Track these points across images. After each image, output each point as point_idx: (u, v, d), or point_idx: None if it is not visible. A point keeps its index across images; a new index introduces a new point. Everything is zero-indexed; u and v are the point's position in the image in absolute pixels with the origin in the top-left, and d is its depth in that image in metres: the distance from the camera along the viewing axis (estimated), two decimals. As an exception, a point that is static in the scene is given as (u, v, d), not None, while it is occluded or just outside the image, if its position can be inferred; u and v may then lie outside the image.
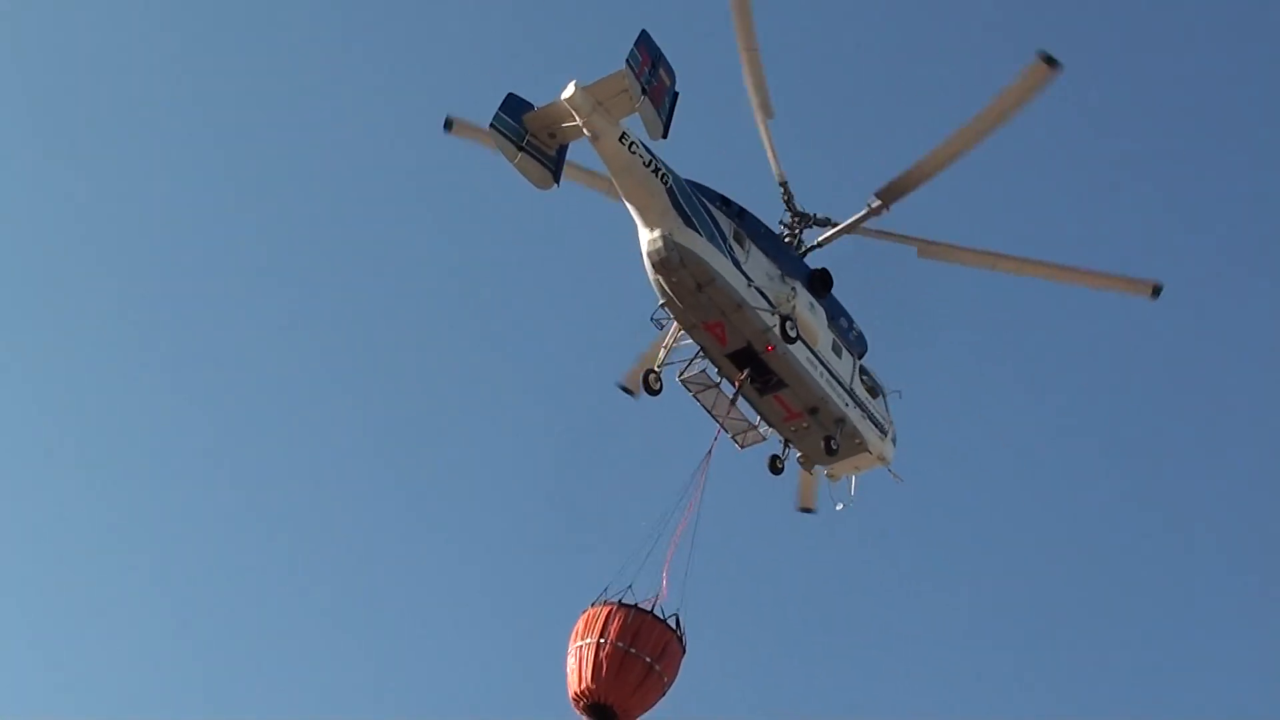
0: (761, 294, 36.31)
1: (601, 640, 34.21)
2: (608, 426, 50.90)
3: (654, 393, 37.29)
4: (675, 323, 36.37)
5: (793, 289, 37.41)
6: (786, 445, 39.31)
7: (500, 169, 34.13)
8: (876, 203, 38.87)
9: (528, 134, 33.57)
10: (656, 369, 37.29)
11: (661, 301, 35.79)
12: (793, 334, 36.51)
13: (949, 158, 37.80)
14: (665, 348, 37.68)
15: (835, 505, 41.15)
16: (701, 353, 37.10)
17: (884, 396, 41.03)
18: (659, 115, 32.92)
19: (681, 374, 37.59)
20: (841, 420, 38.49)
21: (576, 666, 34.43)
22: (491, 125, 33.36)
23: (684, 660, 35.31)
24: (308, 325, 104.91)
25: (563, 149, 34.02)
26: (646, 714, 34.79)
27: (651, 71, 32.96)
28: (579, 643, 34.63)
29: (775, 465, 39.03)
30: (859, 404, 39.36)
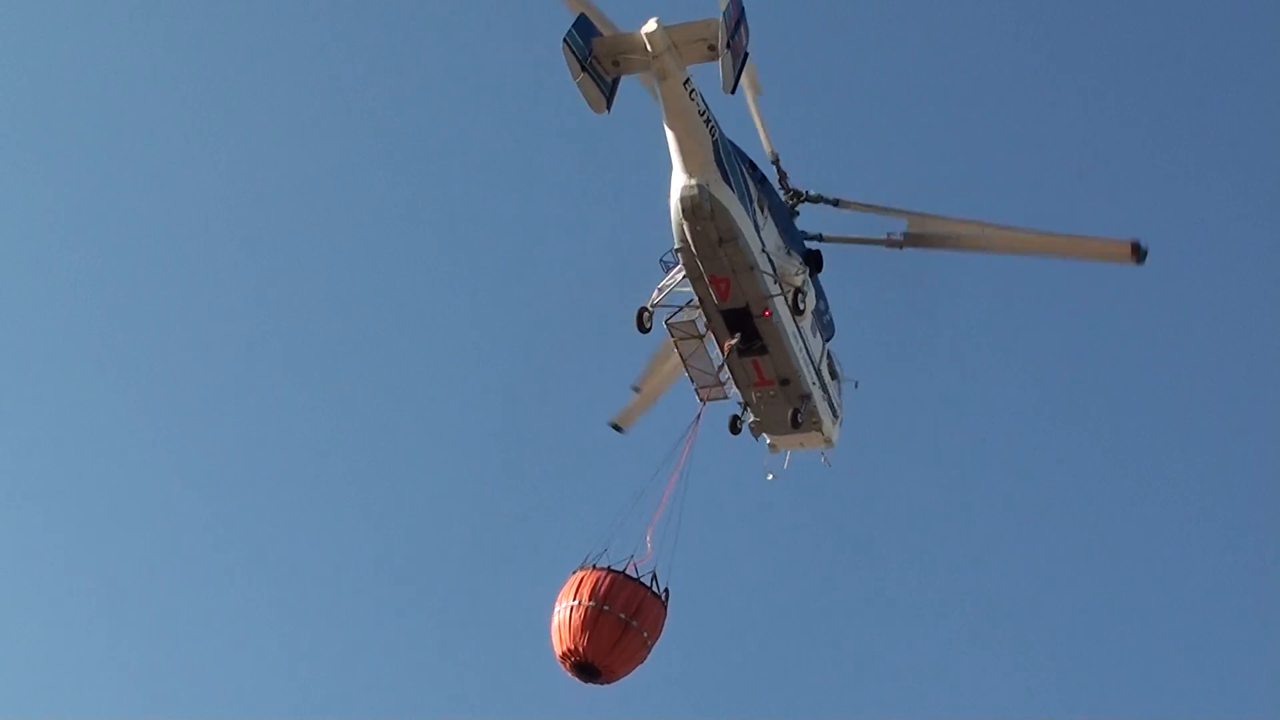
0: (770, 262, 37.43)
1: (575, 603, 35.38)
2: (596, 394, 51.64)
3: (644, 330, 38.12)
4: (683, 269, 37.22)
5: (801, 264, 38.65)
6: (745, 408, 40.50)
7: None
8: (899, 238, 40.37)
9: (592, 56, 34.32)
10: (650, 308, 38.09)
11: (677, 246, 36.59)
12: (802, 307, 37.83)
13: (989, 246, 39.83)
14: (662, 290, 38.51)
15: (767, 475, 42.62)
16: (696, 302, 38.05)
17: (840, 382, 42.54)
18: (734, 71, 33.85)
19: (670, 318, 38.49)
20: (807, 397, 39.84)
21: (557, 628, 35.60)
22: (565, 40, 33.94)
23: (667, 618, 36.36)
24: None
25: (617, 80, 34.87)
26: (637, 669, 36.36)
27: (734, 29, 33.89)
28: (559, 606, 35.81)
29: (735, 425, 40.21)
30: (823, 385, 40.75)
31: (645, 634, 35.61)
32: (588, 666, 35.51)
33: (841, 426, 42.39)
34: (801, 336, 39.25)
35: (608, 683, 36.00)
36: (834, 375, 41.98)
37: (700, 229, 35.83)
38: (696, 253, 36.41)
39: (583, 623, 35.01)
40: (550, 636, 35.89)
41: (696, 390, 39.98)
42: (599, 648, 35.05)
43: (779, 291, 37.68)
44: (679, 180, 35.83)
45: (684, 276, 37.43)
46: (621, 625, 35.21)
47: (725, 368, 38.98)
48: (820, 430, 41.23)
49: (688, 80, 34.62)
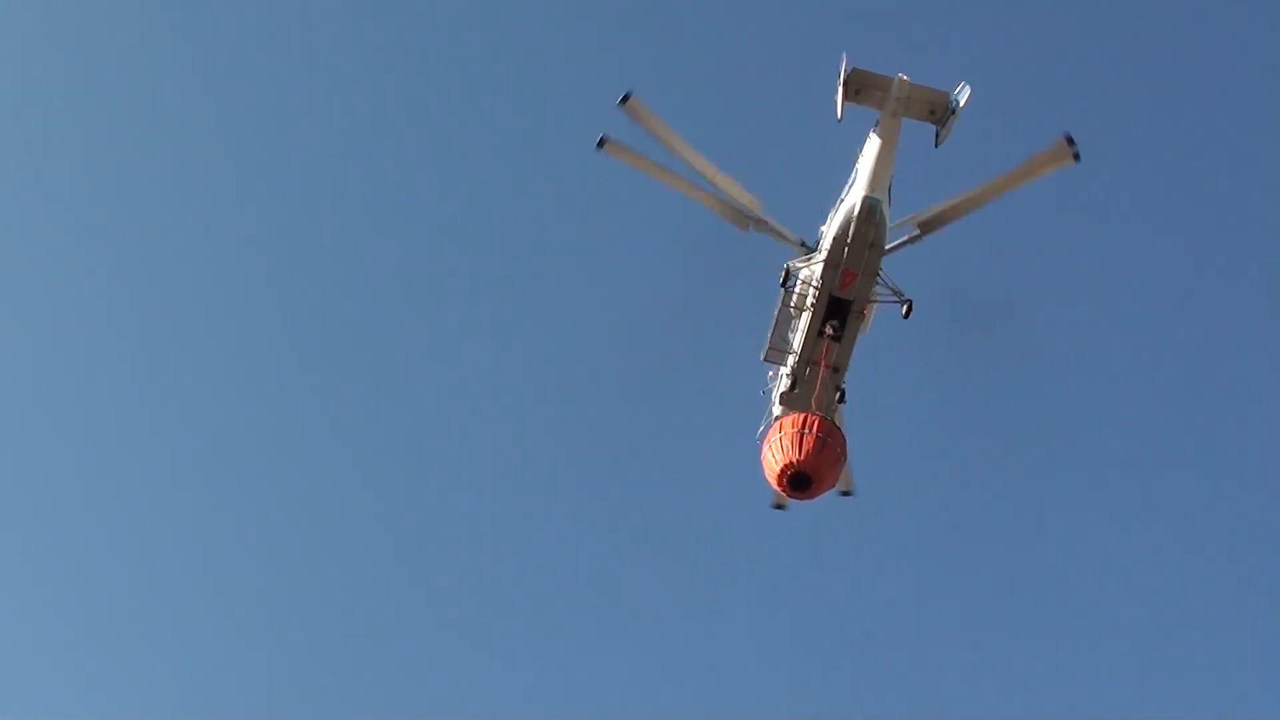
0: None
1: (782, 433, 45.03)
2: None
3: (783, 286, 48.37)
4: (825, 255, 47.33)
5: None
6: (793, 381, 50.32)
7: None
8: (915, 232, 47.68)
9: (856, 78, 45.00)
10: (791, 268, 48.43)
11: (835, 236, 46.89)
12: (906, 315, 48.08)
13: (982, 202, 47.33)
14: (789, 241, 48.71)
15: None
16: (815, 283, 48.11)
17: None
18: (947, 135, 45.10)
19: (788, 271, 48.18)
20: (841, 388, 50.40)
21: (773, 449, 45.03)
22: (855, 68, 44.58)
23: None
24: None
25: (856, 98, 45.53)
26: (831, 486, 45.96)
27: (953, 112, 44.86)
28: (779, 435, 45.29)
29: (794, 386, 50.07)
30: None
31: (839, 451, 45.22)
32: (803, 477, 44.56)
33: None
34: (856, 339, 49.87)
35: (814, 496, 45.22)
36: None
37: (863, 230, 45.90)
38: (849, 246, 46.69)
39: (796, 442, 44.36)
40: (766, 464, 45.07)
41: (769, 347, 49.91)
42: (812, 459, 44.35)
43: (875, 299, 48.32)
44: (860, 191, 45.91)
45: (822, 261, 47.61)
46: (822, 442, 44.82)
47: (803, 338, 49.05)
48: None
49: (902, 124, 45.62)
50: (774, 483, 45.93)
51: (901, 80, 44.69)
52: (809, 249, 48.34)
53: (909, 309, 47.24)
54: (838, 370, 49.50)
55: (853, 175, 47.02)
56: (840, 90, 44.83)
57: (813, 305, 48.03)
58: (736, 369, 53.01)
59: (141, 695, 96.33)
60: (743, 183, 48.41)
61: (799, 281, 48.61)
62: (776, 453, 45.26)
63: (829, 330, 47.98)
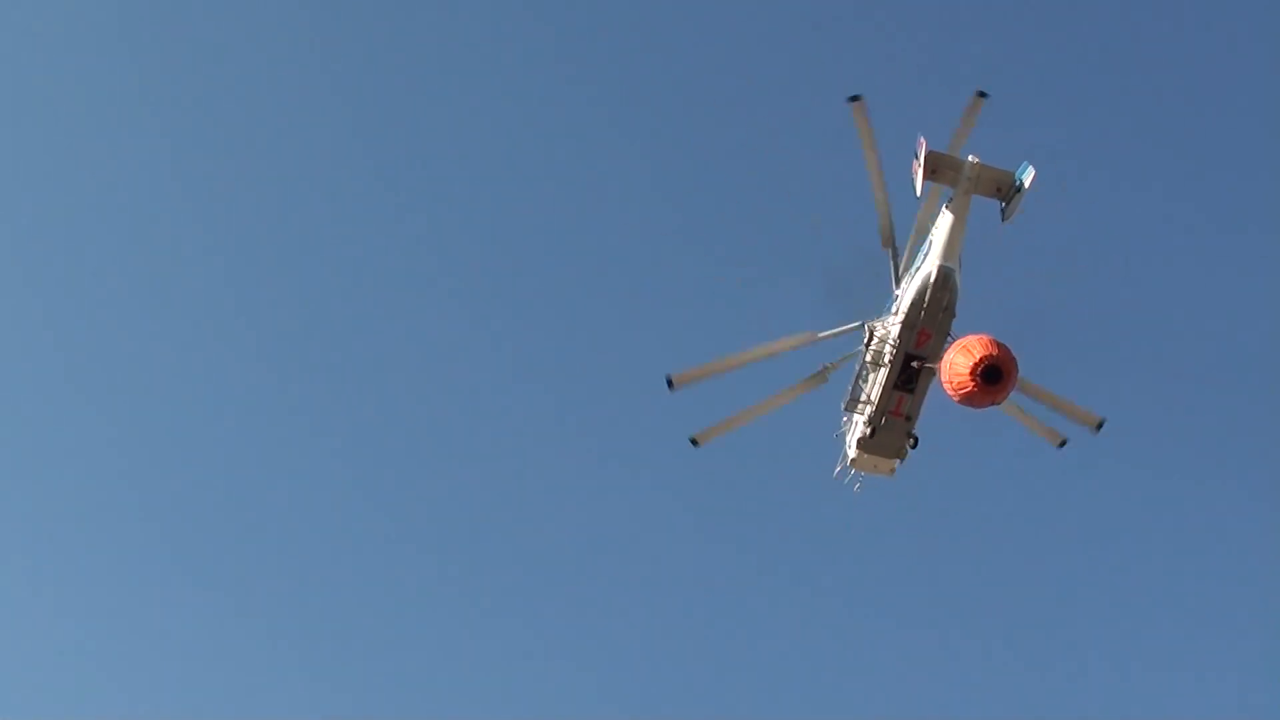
0: None
1: (973, 339, 48.30)
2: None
3: (867, 345, 54.18)
4: (903, 316, 52.70)
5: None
6: (871, 430, 55.08)
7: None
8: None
9: (931, 159, 50.29)
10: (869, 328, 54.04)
11: (913, 302, 52.15)
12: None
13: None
14: (850, 331, 54.89)
15: (855, 487, 58.27)
16: (892, 342, 53.49)
17: None
18: (1016, 211, 50.32)
19: (870, 330, 53.94)
20: (914, 435, 55.77)
21: (982, 345, 47.60)
22: (930, 149, 49.97)
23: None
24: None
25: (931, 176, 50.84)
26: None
27: (1019, 192, 49.83)
28: (968, 340, 48.25)
29: (872, 434, 55.39)
30: None
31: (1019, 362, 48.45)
32: (997, 369, 47.25)
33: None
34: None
35: (1003, 396, 48.47)
36: None
37: (939, 295, 51.01)
38: (926, 309, 51.92)
39: (988, 344, 47.69)
40: (953, 367, 47.96)
41: (851, 397, 55.46)
42: (1005, 355, 47.48)
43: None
44: (938, 261, 51.06)
45: (899, 323, 52.98)
46: (1007, 349, 47.95)
47: (879, 391, 54.54)
48: (898, 461, 57.16)
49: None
50: (964, 384, 48.06)
51: (973, 162, 49.95)
52: (867, 327, 54.09)
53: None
54: (910, 419, 55.02)
55: (926, 244, 52.33)
56: (919, 171, 50.10)
57: (890, 361, 53.46)
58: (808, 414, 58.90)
59: (142, 695, 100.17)
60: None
61: (876, 339, 54.08)
62: (964, 357, 48.07)
63: (905, 380, 53.47)
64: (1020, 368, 48.04)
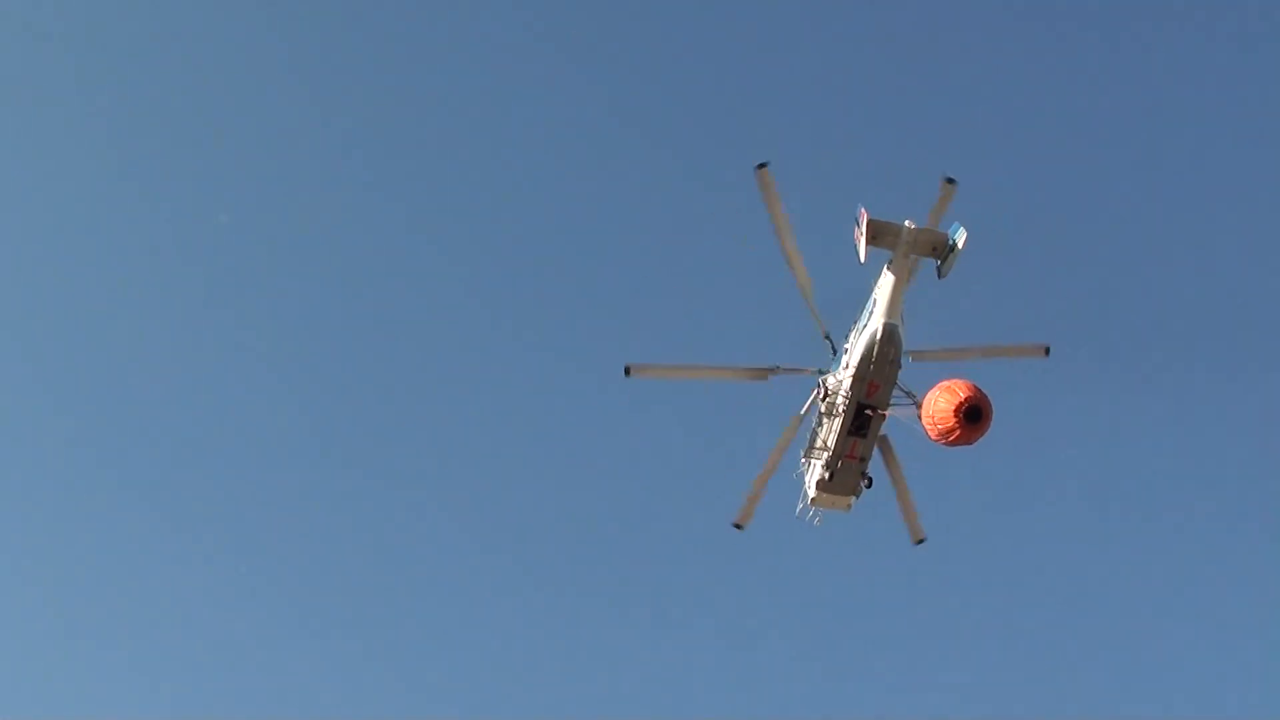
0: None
1: (952, 383, 52.08)
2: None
3: (823, 399, 57.64)
4: (854, 370, 56.28)
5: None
6: (829, 473, 59.33)
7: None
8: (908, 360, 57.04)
9: (871, 227, 53.76)
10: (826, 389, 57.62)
11: (862, 357, 55.71)
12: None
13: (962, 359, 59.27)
14: (808, 371, 58.33)
15: (815, 521, 61.96)
16: (844, 394, 57.18)
17: None
18: (950, 268, 53.87)
19: (826, 384, 57.55)
20: (868, 475, 59.59)
21: (958, 388, 51.60)
22: (870, 217, 53.37)
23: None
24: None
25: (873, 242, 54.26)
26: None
27: (953, 251, 53.41)
28: (938, 392, 52.02)
29: (831, 477, 59.25)
30: None
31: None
32: (978, 409, 51.29)
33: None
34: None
35: (981, 436, 52.04)
36: None
37: (885, 350, 54.65)
38: (874, 364, 55.54)
39: (964, 386, 51.70)
40: (936, 409, 51.85)
41: (805, 449, 59.14)
42: (980, 396, 51.43)
43: (892, 403, 57.48)
44: (883, 319, 54.56)
45: (850, 376, 56.59)
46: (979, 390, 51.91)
47: (835, 438, 58.24)
48: (854, 498, 60.93)
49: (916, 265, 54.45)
50: (947, 422, 52.03)
51: (910, 227, 53.52)
52: (822, 371, 57.68)
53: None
54: (863, 460, 58.90)
55: (871, 301, 55.95)
56: (862, 239, 53.62)
57: (844, 411, 57.24)
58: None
59: (141, 695, 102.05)
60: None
61: (828, 391, 57.80)
62: (947, 398, 52.12)
63: (854, 428, 57.28)
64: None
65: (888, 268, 54.54)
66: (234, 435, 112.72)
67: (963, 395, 51.74)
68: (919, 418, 53.59)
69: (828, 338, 58.10)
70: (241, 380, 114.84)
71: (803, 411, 59.04)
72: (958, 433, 52.11)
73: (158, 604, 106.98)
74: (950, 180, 52.63)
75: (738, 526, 61.51)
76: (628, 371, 57.79)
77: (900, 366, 55.74)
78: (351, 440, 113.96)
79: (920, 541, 62.12)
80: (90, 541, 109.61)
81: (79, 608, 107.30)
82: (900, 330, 55.15)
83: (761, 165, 52.72)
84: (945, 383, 52.82)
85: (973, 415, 51.72)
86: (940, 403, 52.25)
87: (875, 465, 60.39)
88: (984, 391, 52.05)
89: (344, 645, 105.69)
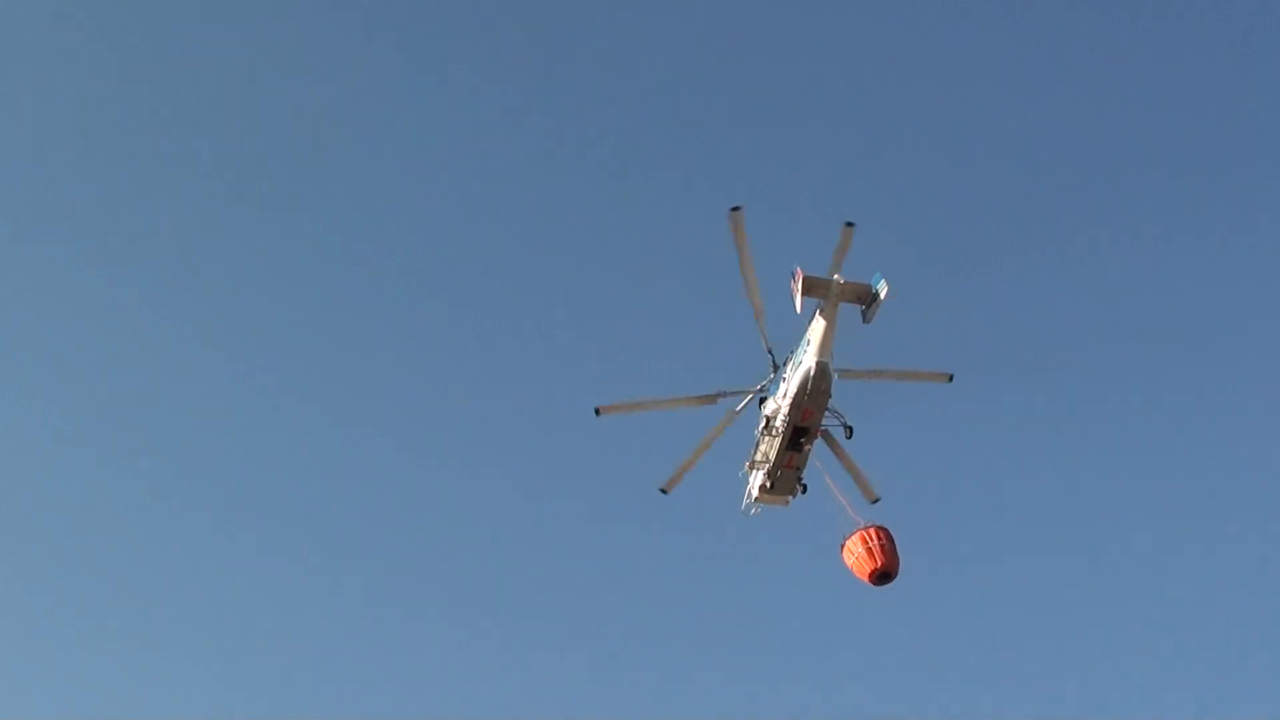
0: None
1: (864, 548, 63.35)
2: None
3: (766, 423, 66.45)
4: (791, 399, 65.02)
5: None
6: (770, 480, 68.65)
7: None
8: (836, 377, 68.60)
9: (806, 282, 62.16)
10: (768, 416, 66.32)
11: (797, 389, 64.21)
12: (850, 437, 66.50)
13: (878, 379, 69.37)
14: (752, 393, 67.03)
15: (752, 511, 70.97)
16: (783, 418, 66.01)
17: None
18: (874, 315, 62.49)
19: (769, 421, 66.65)
20: (803, 483, 68.73)
21: (870, 554, 62.98)
22: (803, 275, 61.77)
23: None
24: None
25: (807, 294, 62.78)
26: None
27: (875, 302, 62.10)
28: (860, 549, 63.28)
29: (772, 486, 68.38)
30: None
31: (895, 547, 63.60)
32: (889, 574, 63.10)
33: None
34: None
35: (892, 581, 63.83)
36: None
37: (818, 384, 63.33)
38: (809, 394, 64.22)
39: (878, 551, 62.89)
40: (857, 561, 63.14)
41: (749, 461, 68.14)
42: (890, 561, 63.03)
43: (824, 425, 66.40)
44: (813, 356, 62.66)
45: (788, 404, 65.35)
46: (891, 549, 63.29)
47: (775, 452, 67.22)
48: (792, 498, 70.08)
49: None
50: (864, 577, 63.73)
51: (838, 280, 61.98)
52: (765, 391, 66.40)
53: (849, 432, 65.79)
54: (799, 469, 68.04)
55: (805, 341, 64.51)
56: (798, 292, 62.12)
57: (781, 432, 66.16)
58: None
59: (142, 695, 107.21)
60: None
61: (769, 413, 66.67)
62: (866, 562, 63.53)
63: (791, 442, 66.36)
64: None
65: (819, 313, 62.88)
66: (235, 435, 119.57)
67: (875, 565, 63.28)
68: (842, 545, 64.68)
69: (770, 352, 66.65)
70: (221, 378, 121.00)
71: (738, 409, 67.51)
72: (868, 579, 64.11)
73: (158, 604, 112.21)
74: (849, 224, 59.92)
75: (664, 491, 69.09)
76: (598, 412, 66.47)
77: (830, 395, 64.40)
78: (351, 445, 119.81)
79: (875, 500, 69.07)
80: (90, 542, 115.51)
81: (78, 608, 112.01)
82: (830, 366, 63.63)
83: (735, 208, 59.76)
84: (862, 539, 64.26)
85: (883, 579, 63.76)
86: (861, 561, 63.56)
87: (823, 454, 69.34)
88: (891, 546, 63.54)
89: (344, 646, 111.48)
